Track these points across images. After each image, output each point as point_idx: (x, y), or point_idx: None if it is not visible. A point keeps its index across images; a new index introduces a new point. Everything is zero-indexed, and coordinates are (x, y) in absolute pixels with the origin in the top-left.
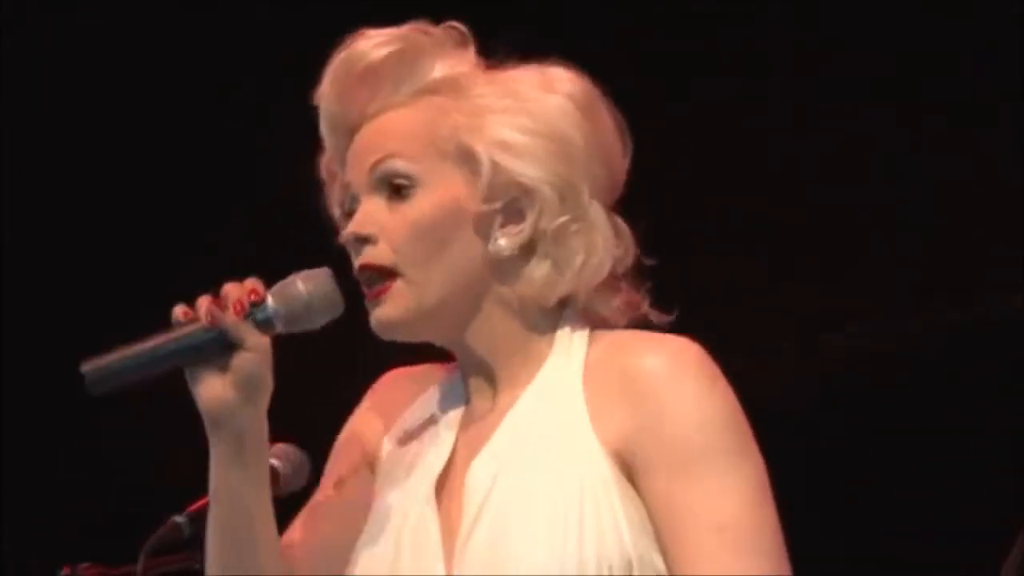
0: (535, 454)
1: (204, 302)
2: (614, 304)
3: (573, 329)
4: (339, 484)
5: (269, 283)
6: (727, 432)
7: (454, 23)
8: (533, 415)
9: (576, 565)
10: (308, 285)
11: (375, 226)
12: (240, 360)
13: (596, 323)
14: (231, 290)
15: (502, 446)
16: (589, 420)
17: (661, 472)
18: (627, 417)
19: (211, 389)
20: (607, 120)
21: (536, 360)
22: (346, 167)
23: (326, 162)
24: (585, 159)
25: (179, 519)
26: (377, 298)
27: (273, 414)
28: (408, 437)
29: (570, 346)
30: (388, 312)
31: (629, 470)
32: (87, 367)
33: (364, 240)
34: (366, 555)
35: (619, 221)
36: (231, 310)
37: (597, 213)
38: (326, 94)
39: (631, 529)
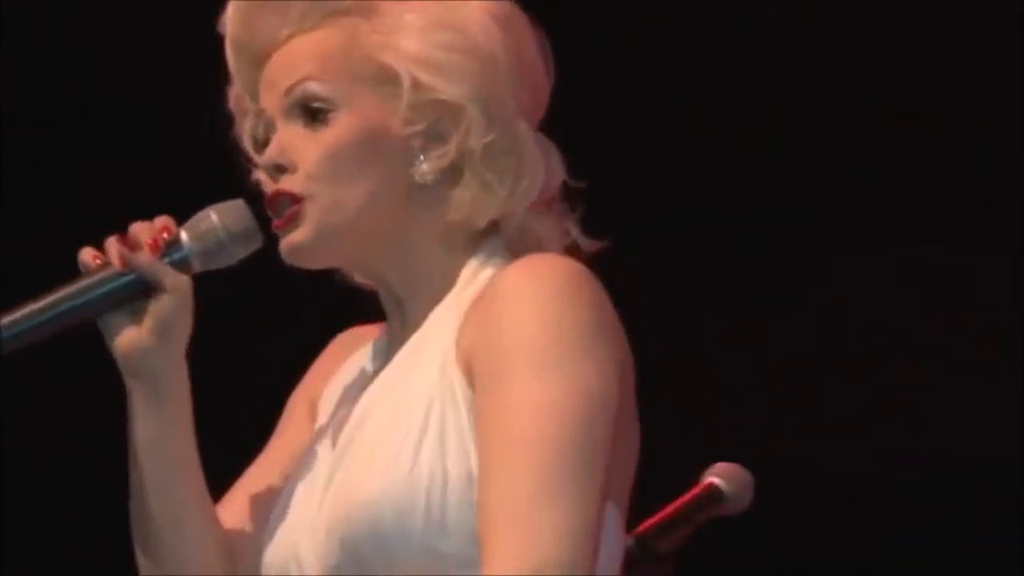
0: (403, 380)
1: (114, 244)
2: (548, 224)
3: (489, 256)
4: (279, 442)
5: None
6: (550, 342)
7: None
8: (417, 345)
9: (405, 480)
10: (223, 217)
11: (292, 152)
12: (158, 302)
13: (532, 247)
14: (141, 230)
15: (383, 381)
16: (455, 341)
17: (480, 380)
18: (474, 329)
19: (126, 336)
20: (529, 37)
21: (446, 291)
22: (259, 95)
23: (235, 95)
24: (509, 76)
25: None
26: (287, 224)
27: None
28: (342, 387)
29: (477, 272)
30: (296, 236)
31: (472, 382)
32: None
33: (281, 169)
34: (279, 498)
35: (546, 140)
36: (144, 250)
37: (524, 132)
38: (232, 21)
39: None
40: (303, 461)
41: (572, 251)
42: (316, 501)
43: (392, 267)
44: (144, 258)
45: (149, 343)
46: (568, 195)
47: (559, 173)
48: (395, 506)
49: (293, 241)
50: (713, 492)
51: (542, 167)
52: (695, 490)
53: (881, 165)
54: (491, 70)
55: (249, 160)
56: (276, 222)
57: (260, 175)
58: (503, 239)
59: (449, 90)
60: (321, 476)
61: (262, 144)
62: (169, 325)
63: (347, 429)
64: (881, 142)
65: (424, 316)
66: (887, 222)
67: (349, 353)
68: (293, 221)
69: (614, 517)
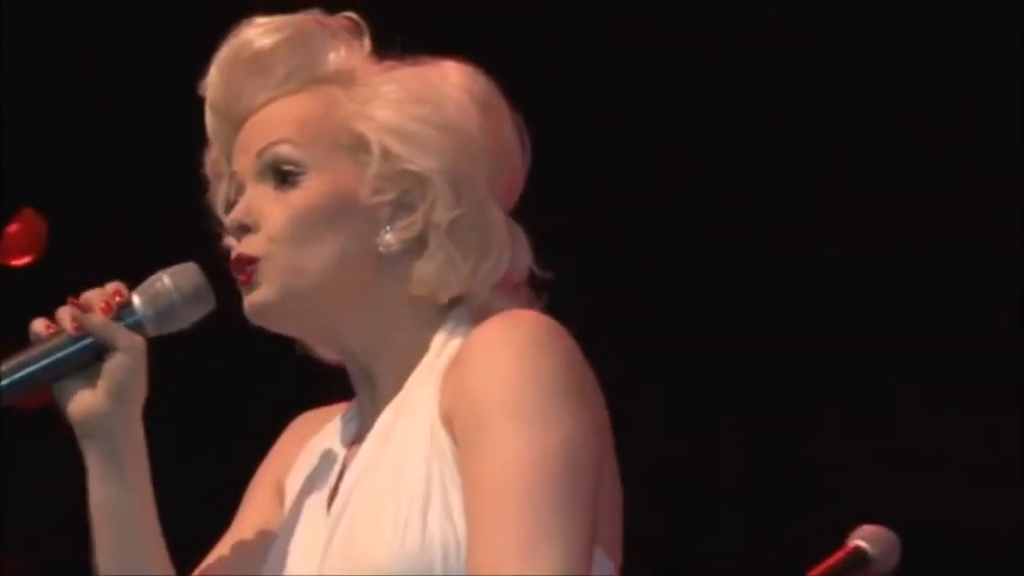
0: (391, 448)
1: (66, 310)
2: (513, 307)
3: (457, 325)
4: (247, 522)
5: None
6: (525, 396)
7: (349, 13)
8: (398, 413)
9: (418, 546)
10: (175, 280)
11: (258, 213)
12: (112, 364)
13: None
14: (92, 295)
15: (367, 452)
16: (437, 404)
17: (461, 438)
18: (452, 389)
19: (81, 399)
20: (508, 122)
21: (417, 362)
22: (233, 158)
23: (212, 159)
24: (483, 155)
25: None
26: (248, 281)
27: None
28: (311, 465)
29: (447, 342)
30: (256, 295)
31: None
32: None
33: (245, 229)
34: (266, 568)
35: (516, 226)
36: (98, 312)
37: (493, 212)
38: (213, 83)
39: None
40: (289, 533)
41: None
42: (312, 569)
43: (360, 336)
44: (97, 319)
45: (105, 406)
46: (534, 284)
47: (526, 259)
48: (411, 572)
49: (256, 300)
50: (859, 555)
51: (508, 248)
52: (841, 553)
53: None
54: (464, 147)
55: (221, 225)
56: (240, 277)
57: (228, 239)
58: (466, 310)
59: (419, 161)
60: (316, 544)
61: (232, 205)
62: (124, 386)
63: (339, 499)
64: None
65: (396, 387)
66: None
67: (309, 434)
68: (254, 278)
69: (605, 562)
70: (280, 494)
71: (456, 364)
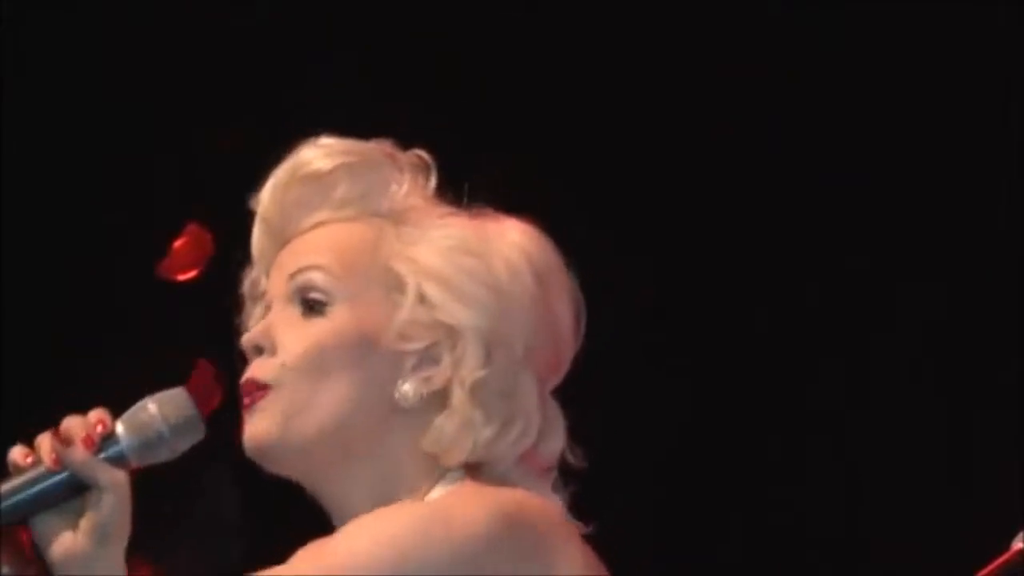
0: None
1: (45, 441)
2: (536, 489)
3: (450, 485)
4: None
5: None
6: (391, 535)
7: (419, 151)
8: None
9: None
10: (162, 409)
11: (277, 335)
12: (94, 503)
13: None
14: (74, 425)
15: None
16: None
17: None
18: None
19: (61, 542)
20: (563, 292)
21: None
22: (270, 278)
23: (252, 279)
24: (526, 321)
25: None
26: (250, 407)
27: None
28: None
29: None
30: (257, 427)
31: None
32: None
33: (260, 350)
34: None
35: (555, 407)
36: (78, 446)
37: (527, 383)
38: (266, 200)
39: None
40: None
41: None
42: None
43: (354, 490)
44: (77, 455)
45: (87, 549)
46: (564, 472)
47: (558, 442)
48: None
49: (255, 433)
50: (1022, 557)
51: (535, 422)
52: (1005, 555)
53: None
54: (506, 309)
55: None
56: (245, 399)
57: (244, 350)
58: (464, 479)
59: (454, 313)
60: None
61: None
62: (106, 527)
63: None
64: None
65: None
66: None
67: None
68: (256, 405)
69: None
70: None
71: None
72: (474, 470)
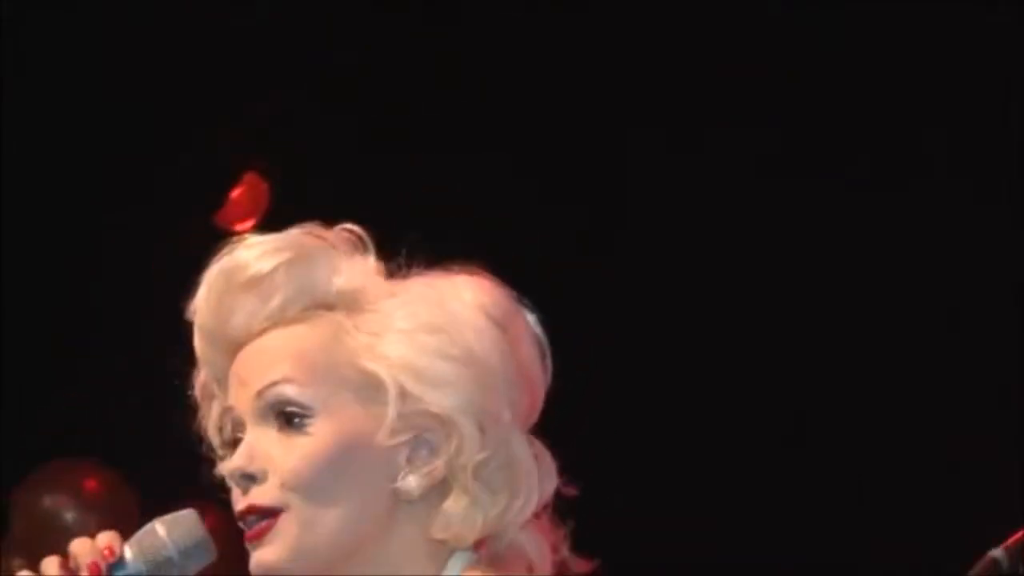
0: None
1: (53, 568)
2: (537, 541)
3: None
4: None
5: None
6: None
7: (350, 226)
8: None
9: None
10: (170, 531)
11: (263, 461)
12: None
13: (518, 566)
14: (81, 551)
15: None
16: None
17: None
18: None
19: None
20: (525, 334)
21: None
22: (229, 390)
23: (201, 382)
24: (504, 383)
25: (996, 553)
26: (259, 538)
27: None
28: None
29: None
30: (270, 554)
31: None
32: None
33: (251, 478)
34: None
35: (539, 445)
36: (86, 574)
37: (519, 444)
38: (203, 308)
39: None
40: None
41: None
42: None
43: None
44: None
45: None
46: (558, 507)
47: (552, 482)
48: None
49: (264, 560)
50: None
51: (537, 482)
52: (979, 565)
53: None
54: (484, 380)
55: (212, 449)
56: (248, 534)
57: (225, 475)
58: (487, 556)
59: (439, 402)
60: None
61: (229, 443)
62: None
63: None
64: None
65: None
66: None
67: None
68: (265, 536)
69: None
70: None
71: None
72: (480, 542)
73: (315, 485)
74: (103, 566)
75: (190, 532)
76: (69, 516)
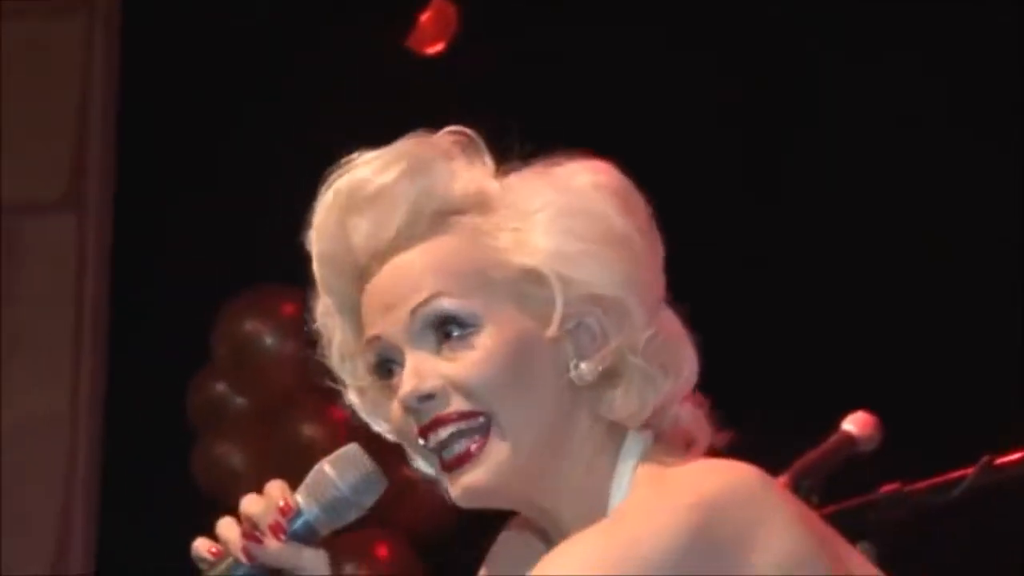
0: None
1: (232, 531)
2: (695, 416)
3: (635, 456)
4: None
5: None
6: (619, 549)
7: (458, 128)
8: None
9: None
10: (340, 470)
11: (437, 378)
12: None
13: (683, 442)
14: (255, 511)
15: None
16: None
17: None
18: None
19: None
20: (644, 208)
21: (600, 502)
22: (368, 316)
23: (322, 311)
24: (649, 255)
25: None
26: (467, 461)
27: None
28: None
29: (624, 478)
30: (475, 478)
31: None
32: None
33: (429, 397)
34: None
35: (677, 318)
36: (269, 537)
37: (670, 317)
38: (323, 232)
39: None
40: None
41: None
42: None
43: (553, 490)
44: (273, 549)
45: None
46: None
47: (696, 354)
48: None
49: (470, 484)
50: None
51: (693, 352)
52: (832, 437)
53: None
54: (633, 254)
55: (337, 382)
56: (449, 460)
57: (357, 405)
58: (653, 434)
59: (600, 283)
60: None
61: (382, 374)
62: None
63: None
64: None
65: (577, 527)
66: None
67: (510, 562)
68: (473, 458)
69: None
70: None
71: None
72: (646, 424)
73: (498, 389)
74: (283, 523)
75: (358, 467)
76: (268, 341)
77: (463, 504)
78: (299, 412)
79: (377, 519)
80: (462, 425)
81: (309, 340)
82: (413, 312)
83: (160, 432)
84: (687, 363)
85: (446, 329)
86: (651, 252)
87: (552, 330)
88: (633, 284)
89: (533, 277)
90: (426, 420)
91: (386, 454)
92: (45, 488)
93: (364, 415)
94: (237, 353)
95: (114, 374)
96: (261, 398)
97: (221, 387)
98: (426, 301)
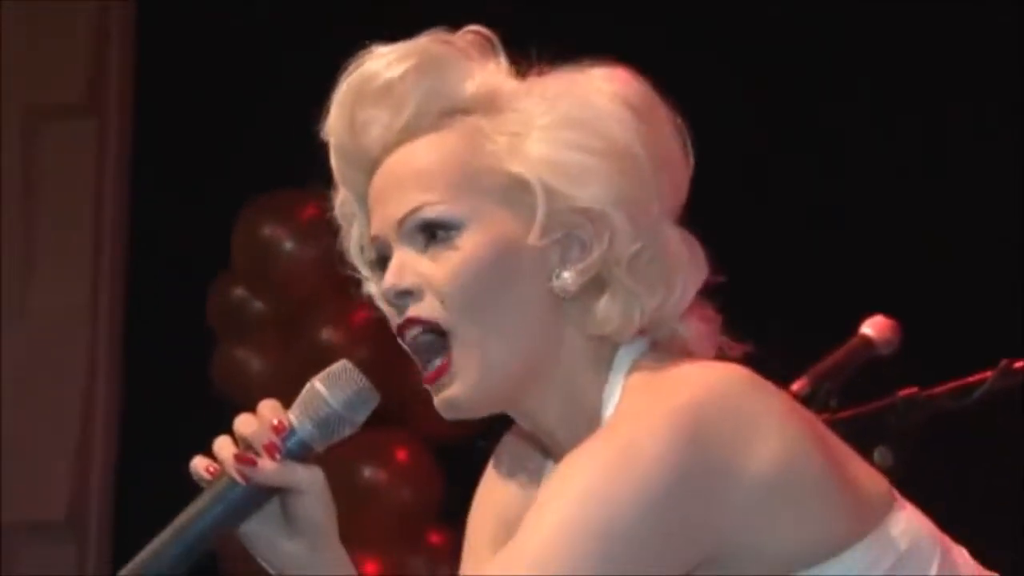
0: None
1: (227, 451)
2: (696, 329)
3: (627, 364)
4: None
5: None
6: (636, 450)
7: (476, 28)
8: None
9: None
10: (331, 387)
11: (416, 276)
12: (300, 507)
13: (681, 352)
14: (249, 431)
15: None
16: None
17: None
18: None
19: (276, 549)
20: (666, 120)
21: (593, 414)
22: (370, 211)
23: (341, 201)
24: (651, 173)
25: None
26: (440, 377)
27: None
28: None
29: (616, 389)
30: (456, 390)
31: None
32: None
33: (406, 293)
34: None
35: (689, 236)
36: (264, 456)
37: (670, 233)
38: (337, 126)
39: None
40: None
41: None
42: None
43: (544, 401)
44: (268, 469)
45: (302, 552)
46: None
47: (704, 272)
48: None
49: (451, 396)
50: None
51: (691, 272)
52: (851, 340)
53: None
54: (631, 170)
55: (357, 270)
56: (426, 377)
57: (380, 298)
58: (648, 345)
59: (587, 196)
60: None
61: (375, 264)
62: (318, 526)
63: None
64: None
65: (573, 441)
66: None
67: (512, 472)
68: (445, 374)
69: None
70: (505, 528)
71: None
72: (640, 333)
73: (472, 295)
74: (278, 442)
75: (349, 382)
76: (287, 245)
77: (447, 417)
78: (319, 316)
79: (396, 422)
80: (427, 336)
81: (329, 244)
82: (401, 221)
83: (180, 336)
84: (681, 283)
85: (432, 231)
86: (658, 168)
87: (533, 238)
88: (622, 200)
89: (520, 184)
90: (401, 319)
91: (407, 356)
92: (67, 382)
93: (382, 306)
94: (256, 258)
95: (134, 279)
96: (280, 303)
97: (240, 292)
98: (412, 212)
